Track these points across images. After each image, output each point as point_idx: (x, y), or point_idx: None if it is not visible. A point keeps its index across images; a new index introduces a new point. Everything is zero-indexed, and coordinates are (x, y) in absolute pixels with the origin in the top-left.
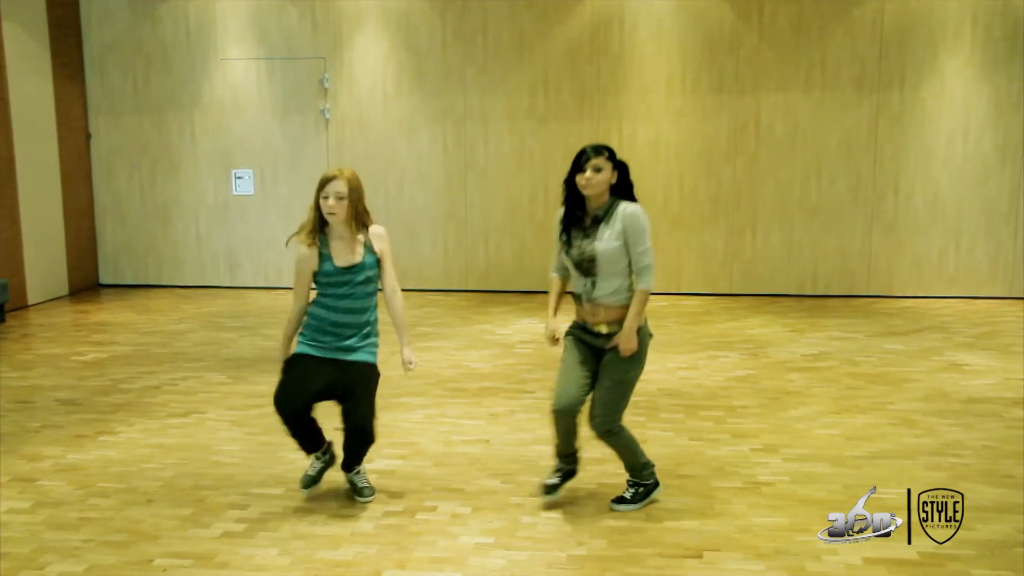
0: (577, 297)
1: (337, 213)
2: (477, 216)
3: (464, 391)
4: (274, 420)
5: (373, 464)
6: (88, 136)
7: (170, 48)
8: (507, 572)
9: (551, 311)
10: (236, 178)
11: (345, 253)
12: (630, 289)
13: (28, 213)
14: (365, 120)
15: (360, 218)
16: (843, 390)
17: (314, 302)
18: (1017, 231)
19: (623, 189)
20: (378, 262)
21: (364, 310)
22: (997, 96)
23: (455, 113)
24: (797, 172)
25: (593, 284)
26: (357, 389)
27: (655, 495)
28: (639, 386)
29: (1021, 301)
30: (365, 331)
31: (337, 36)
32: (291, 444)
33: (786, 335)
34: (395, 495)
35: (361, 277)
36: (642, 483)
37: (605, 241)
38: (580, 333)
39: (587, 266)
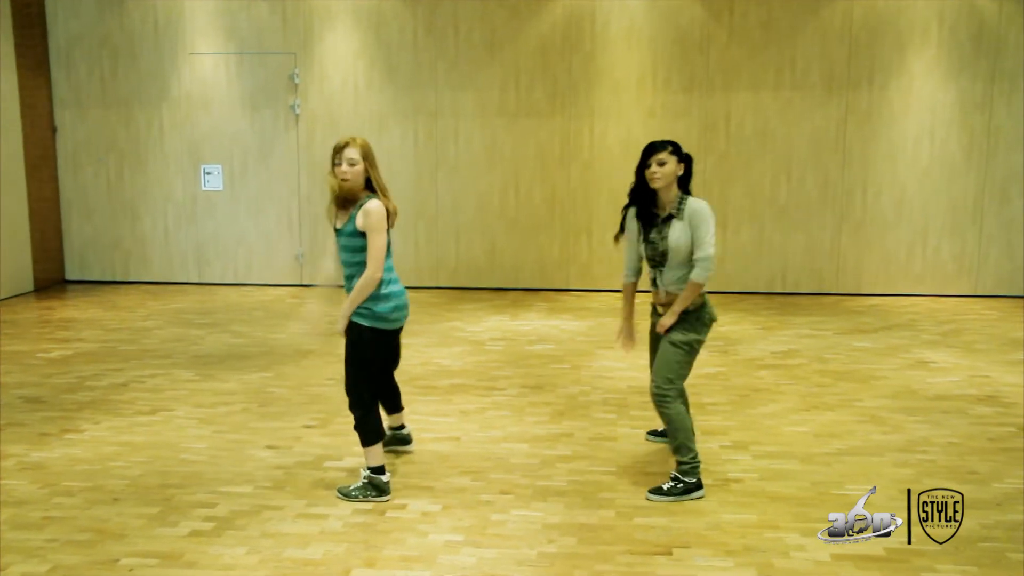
0: (652, 281)
1: (350, 179)
2: (448, 213)
3: (434, 388)
4: (243, 418)
5: (343, 462)
6: (54, 130)
7: (137, 42)
8: (477, 570)
9: (626, 314)
10: (205, 173)
11: (343, 217)
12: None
13: None
14: (335, 116)
15: (368, 186)
16: (812, 387)
17: None
18: (981, 230)
19: (685, 181)
20: (359, 232)
21: (351, 277)
22: (962, 97)
23: (426, 109)
24: (767, 171)
25: (660, 272)
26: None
27: (694, 496)
28: (609, 383)
29: (985, 299)
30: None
31: (308, 31)
32: (259, 442)
33: (755, 332)
34: None
35: (341, 242)
36: (681, 479)
37: (677, 237)
38: (653, 317)
39: (658, 259)
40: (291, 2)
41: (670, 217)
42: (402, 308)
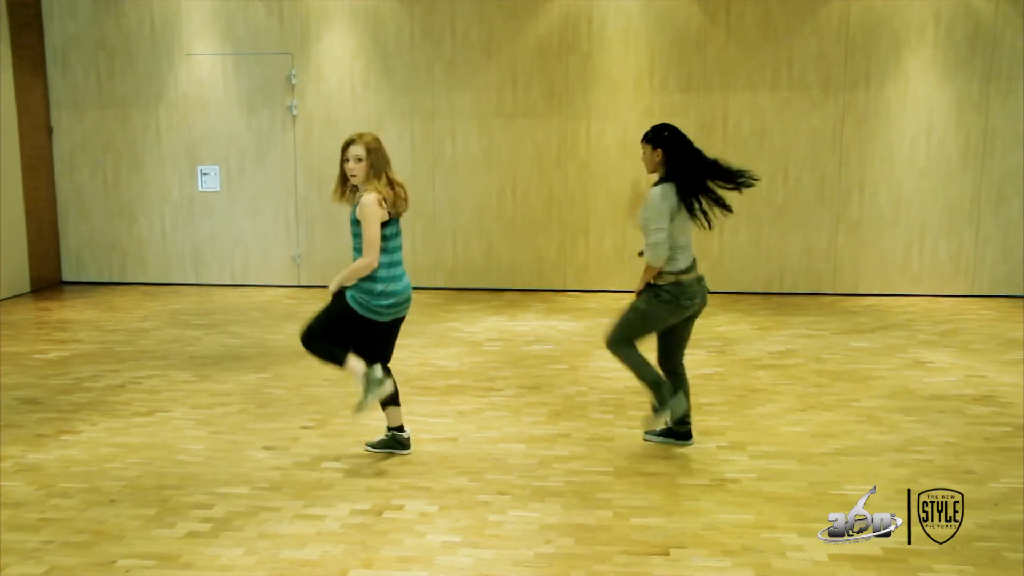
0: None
1: (357, 174)
2: (445, 214)
3: (432, 389)
4: (240, 419)
5: (340, 463)
6: (50, 131)
7: (134, 43)
8: (474, 570)
9: None
10: (202, 174)
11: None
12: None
13: None
14: (333, 117)
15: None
16: (809, 387)
17: None
18: (978, 230)
19: (671, 164)
20: (358, 221)
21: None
22: (958, 97)
23: (423, 110)
24: (764, 171)
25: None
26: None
27: (675, 403)
28: (606, 383)
29: (982, 299)
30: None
31: (305, 32)
32: (256, 443)
33: (753, 333)
34: (362, 494)
35: (353, 230)
36: (656, 405)
37: (640, 214)
38: None
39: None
40: (288, 3)
41: None
42: (399, 305)
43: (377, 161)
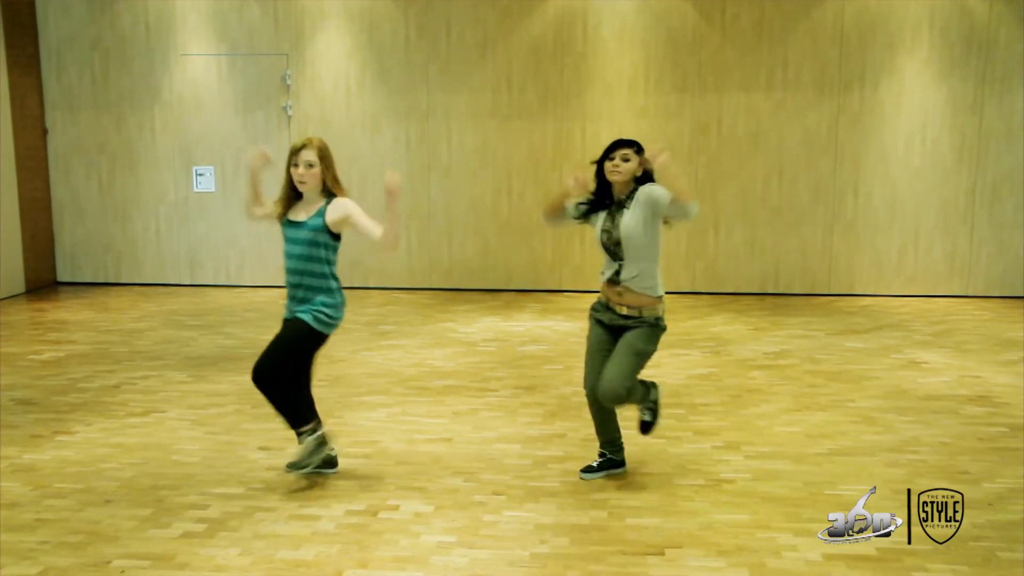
0: (606, 278)
1: (307, 182)
2: (440, 214)
3: (427, 389)
4: (235, 419)
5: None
6: (44, 131)
7: (129, 43)
8: (469, 571)
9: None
10: (197, 175)
11: (300, 212)
12: (654, 276)
13: None
14: (328, 117)
15: (327, 187)
16: (804, 388)
17: None
18: (973, 231)
19: (649, 180)
20: (326, 227)
21: (302, 272)
22: (953, 97)
23: (418, 111)
24: (759, 172)
25: (620, 268)
26: (275, 338)
27: (657, 395)
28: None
29: (977, 299)
30: (313, 295)
31: (300, 32)
32: (251, 443)
33: (748, 333)
34: (357, 494)
35: (301, 235)
36: (654, 412)
37: (627, 223)
38: (601, 312)
39: (614, 250)
40: (283, 3)
41: (620, 206)
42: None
43: (330, 168)
